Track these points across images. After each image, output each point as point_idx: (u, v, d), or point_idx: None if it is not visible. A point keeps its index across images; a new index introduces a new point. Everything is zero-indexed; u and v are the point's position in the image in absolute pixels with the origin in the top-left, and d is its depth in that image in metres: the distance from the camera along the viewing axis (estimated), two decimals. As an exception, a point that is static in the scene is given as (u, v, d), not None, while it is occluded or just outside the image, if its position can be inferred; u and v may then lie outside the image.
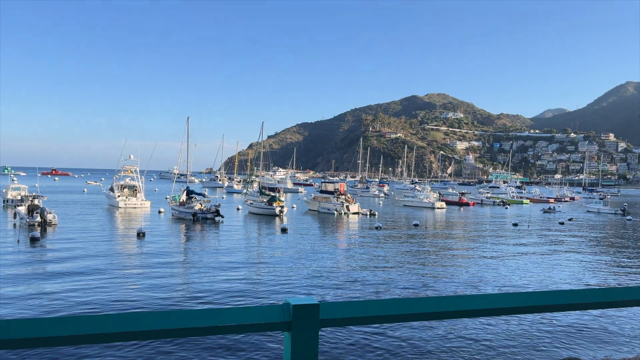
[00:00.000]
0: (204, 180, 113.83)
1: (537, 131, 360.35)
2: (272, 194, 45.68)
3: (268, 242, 28.10)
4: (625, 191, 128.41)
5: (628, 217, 52.82)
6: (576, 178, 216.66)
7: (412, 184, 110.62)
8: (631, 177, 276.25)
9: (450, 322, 11.58)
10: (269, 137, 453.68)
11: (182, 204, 40.09)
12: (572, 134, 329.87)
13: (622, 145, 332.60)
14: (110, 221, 36.62)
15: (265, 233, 32.56)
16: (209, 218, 37.65)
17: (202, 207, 38.57)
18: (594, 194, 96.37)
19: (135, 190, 49.03)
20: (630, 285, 2.35)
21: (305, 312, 2.06)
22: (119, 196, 47.35)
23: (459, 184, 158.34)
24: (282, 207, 43.16)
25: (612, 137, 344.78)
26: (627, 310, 13.11)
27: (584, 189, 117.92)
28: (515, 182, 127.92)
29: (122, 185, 49.23)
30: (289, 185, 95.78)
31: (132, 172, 51.16)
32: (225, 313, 2.12)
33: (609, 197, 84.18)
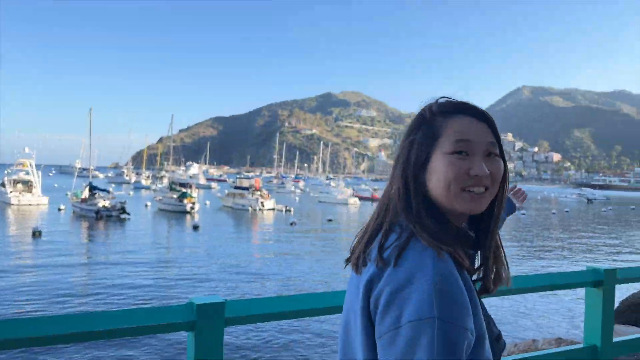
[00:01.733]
0: (109, 175, 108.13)
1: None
2: (183, 190, 44.28)
3: (178, 240, 27.23)
4: (521, 187, 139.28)
5: (522, 212, 57.36)
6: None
7: (327, 180, 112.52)
8: (526, 174, 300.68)
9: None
10: (180, 130, 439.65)
11: (84, 200, 37.61)
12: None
13: (519, 144, 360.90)
14: (0, 220, 33.58)
15: (176, 230, 31.52)
16: (114, 215, 35.71)
17: (106, 204, 36.44)
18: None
19: (31, 185, 45.20)
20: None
21: (209, 310, 1.97)
22: (11, 192, 43.42)
23: (372, 180, 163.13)
24: (193, 203, 41.96)
25: (510, 136, 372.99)
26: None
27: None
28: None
29: (14, 180, 45.11)
30: (202, 181, 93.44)
31: (27, 165, 47.01)
32: (124, 315, 1.98)
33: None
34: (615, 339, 3.25)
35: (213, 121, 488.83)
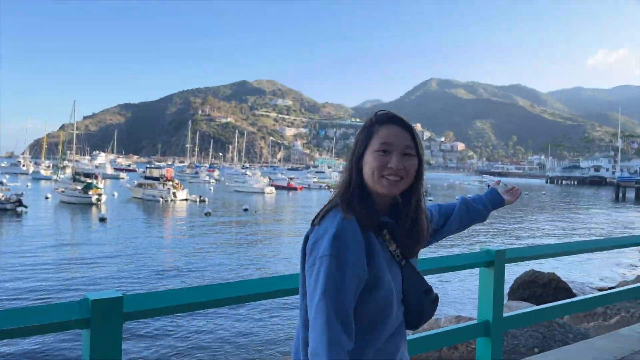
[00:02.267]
0: (3, 165, 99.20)
1: (358, 120, 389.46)
2: (88, 180, 41.72)
3: (82, 234, 25.66)
4: (429, 175, 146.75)
5: (429, 198, 60.33)
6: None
7: (243, 169, 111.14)
8: (434, 162, 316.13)
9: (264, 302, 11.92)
10: (85, 117, 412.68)
11: (-28, 193, 34.29)
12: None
13: (427, 134, 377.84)
14: None
15: (80, 224, 29.69)
16: (9, 209, 32.92)
17: (-1, 196, 33.50)
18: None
19: None
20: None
21: (106, 306, 1.89)
22: None
23: (288, 169, 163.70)
24: (100, 195, 39.68)
25: (419, 126, 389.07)
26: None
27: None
28: (339, 167, 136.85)
29: None
30: (109, 171, 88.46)
31: None
32: (11, 315, 1.85)
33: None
34: (506, 314, 3.53)
35: (121, 108, 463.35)
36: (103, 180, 48.39)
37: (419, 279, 1.48)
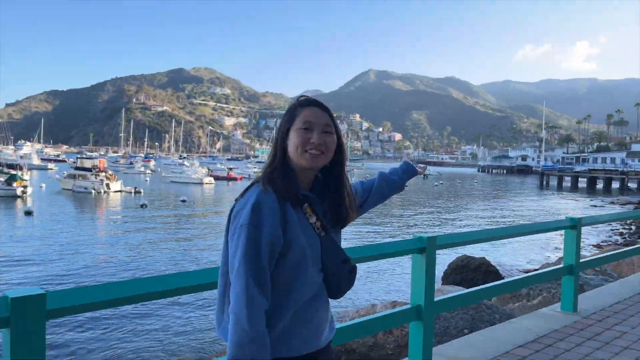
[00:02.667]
0: None
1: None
2: (12, 172, 39.22)
3: (6, 229, 24.12)
4: (368, 165, 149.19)
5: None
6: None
7: (180, 159, 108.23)
8: (372, 152, 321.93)
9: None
10: (7, 105, 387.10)
11: None
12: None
13: (366, 125, 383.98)
14: None
15: (3, 218, 27.89)
16: None
17: None
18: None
19: None
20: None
21: (27, 304, 1.80)
22: None
23: (228, 160, 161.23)
24: (25, 187, 37.43)
25: (358, 117, 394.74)
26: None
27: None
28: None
29: None
30: (36, 162, 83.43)
31: None
32: None
33: (354, 169, 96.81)
34: (437, 298, 3.68)
35: (48, 95, 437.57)
36: (29, 172, 45.65)
37: (337, 250, 1.61)
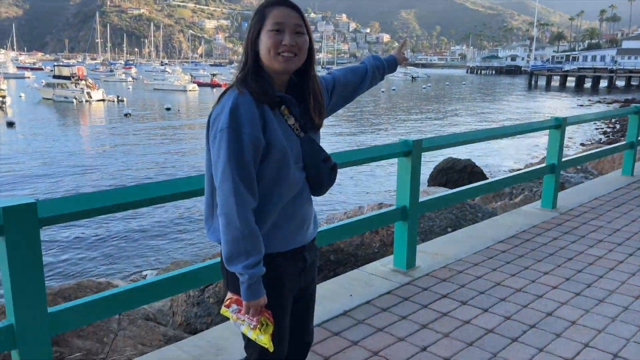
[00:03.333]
0: None
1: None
2: (-11, 82, 37.93)
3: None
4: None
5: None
6: (317, 57, 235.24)
7: (162, 65, 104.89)
8: (359, 55, 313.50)
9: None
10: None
11: None
12: (312, 14, 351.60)
13: (353, 25, 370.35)
14: None
15: (-16, 129, 27.42)
16: None
17: None
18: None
19: None
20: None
21: (19, 213, 1.83)
22: None
23: (211, 65, 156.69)
24: (3, 97, 36.38)
25: (344, 17, 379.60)
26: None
27: (322, 67, 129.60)
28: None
29: None
30: (11, 70, 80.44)
31: None
32: None
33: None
34: (421, 199, 3.79)
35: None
36: (5, 81, 44.16)
37: (316, 149, 1.65)
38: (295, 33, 1.54)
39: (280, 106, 1.58)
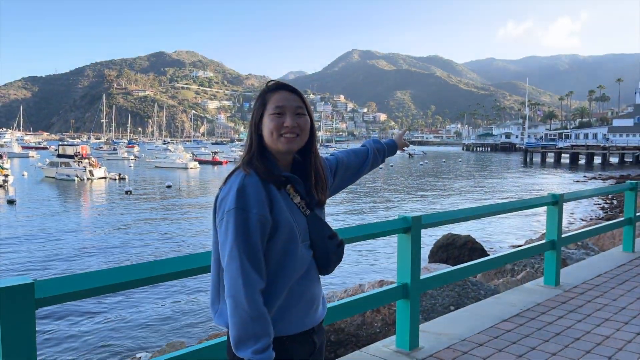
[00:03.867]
0: None
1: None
2: (-8, 161, 38.56)
3: (-10, 218, 23.80)
4: (353, 145, 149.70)
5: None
6: (317, 135, 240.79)
7: (164, 144, 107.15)
8: (357, 133, 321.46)
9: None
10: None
11: None
12: (312, 95, 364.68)
13: (350, 105, 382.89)
14: None
15: (-14, 207, 27.50)
16: None
17: None
18: (329, 149, 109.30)
19: None
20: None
21: (15, 293, 1.80)
22: None
23: (213, 143, 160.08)
24: (6, 175, 36.81)
25: (342, 98, 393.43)
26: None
27: (321, 145, 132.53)
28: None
29: None
30: (16, 150, 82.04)
31: None
32: None
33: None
34: (423, 276, 3.75)
35: (26, 82, 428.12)
36: (9, 160, 44.90)
37: (322, 226, 1.66)
38: (296, 114, 1.60)
39: (285, 185, 1.60)
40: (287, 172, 1.64)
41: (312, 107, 1.71)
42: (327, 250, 1.63)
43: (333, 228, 1.72)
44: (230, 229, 1.46)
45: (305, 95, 1.68)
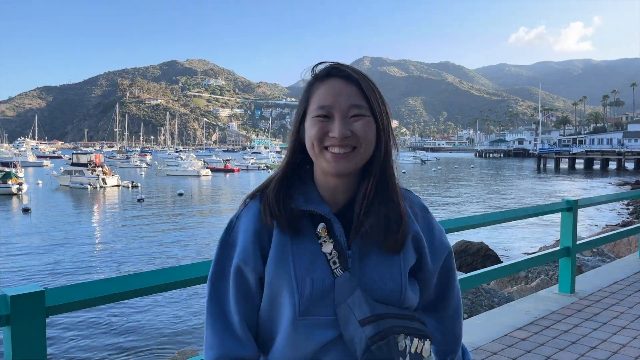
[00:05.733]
0: None
1: (293, 99, 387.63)
2: (6, 169, 39.08)
3: (4, 227, 24.10)
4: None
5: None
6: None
7: (177, 152, 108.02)
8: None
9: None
10: (0, 102, 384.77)
11: None
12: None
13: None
14: None
15: (0, 215, 27.87)
16: None
17: None
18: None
19: None
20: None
21: (27, 301, 1.81)
22: None
23: (224, 151, 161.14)
24: (20, 184, 37.30)
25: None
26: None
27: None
28: (276, 147, 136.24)
29: None
30: (31, 159, 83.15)
31: None
32: None
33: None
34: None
35: (41, 91, 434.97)
36: (22, 169, 45.56)
37: (356, 301, 1.04)
38: (352, 117, 1.08)
39: (315, 225, 1.10)
40: (343, 202, 1.13)
41: (386, 102, 1.16)
42: (353, 342, 1.02)
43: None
44: (211, 265, 1.14)
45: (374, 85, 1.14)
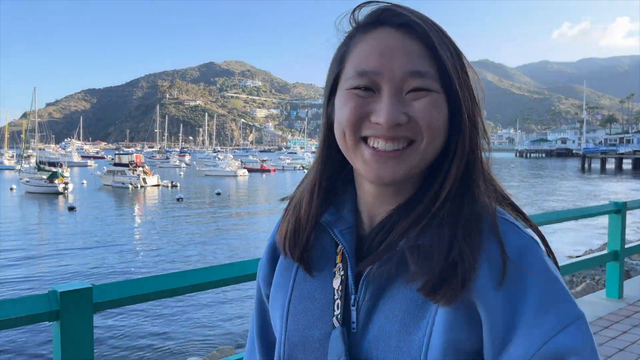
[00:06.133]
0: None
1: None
2: (53, 169, 40.66)
3: (51, 224, 25.08)
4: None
5: None
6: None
7: (215, 152, 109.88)
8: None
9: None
10: (48, 104, 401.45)
11: None
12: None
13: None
14: None
15: (48, 214, 29.02)
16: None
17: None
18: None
19: None
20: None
21: (75, 297, 1.86)
22: None
23: (261, 151, 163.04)
24: (66, 183, 38.74)
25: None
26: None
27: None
28: (312, 147, 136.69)
29: None
30: (76, 159, 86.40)
31: None
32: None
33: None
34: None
35: (85, 94, 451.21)
36: (68, 169, 47.28)
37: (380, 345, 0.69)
38: (410, 92, 0.67)
39: (336, 244, 0.78)
40: (377, 216, 0.75)
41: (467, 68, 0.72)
42: None
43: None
44: None
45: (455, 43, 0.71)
